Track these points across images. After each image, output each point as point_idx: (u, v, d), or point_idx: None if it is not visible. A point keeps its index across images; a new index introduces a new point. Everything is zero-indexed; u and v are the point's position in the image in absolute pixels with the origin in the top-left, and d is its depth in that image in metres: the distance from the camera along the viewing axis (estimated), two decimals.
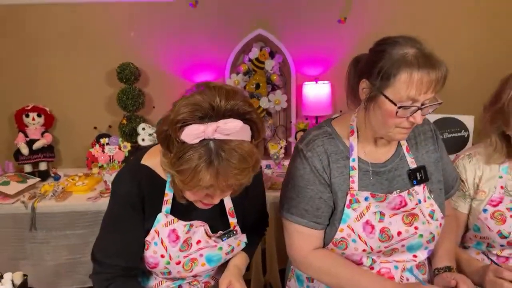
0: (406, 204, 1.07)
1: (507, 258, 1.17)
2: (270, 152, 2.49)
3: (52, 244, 1.99)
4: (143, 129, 2.36)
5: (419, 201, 1.08)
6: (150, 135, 2.34)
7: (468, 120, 2.13)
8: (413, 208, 1.08)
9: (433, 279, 1.09)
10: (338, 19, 2.48)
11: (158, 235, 1.02)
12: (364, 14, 2.48)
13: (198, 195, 0.91)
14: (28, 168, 2.33)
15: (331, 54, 2.53)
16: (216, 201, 0.94)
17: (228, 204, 1.09)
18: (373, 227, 1.05)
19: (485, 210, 1.17)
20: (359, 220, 1.05)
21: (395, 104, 0.94)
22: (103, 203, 1.97)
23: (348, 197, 1.06)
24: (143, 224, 1.02)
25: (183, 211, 1.03)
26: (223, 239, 1.07)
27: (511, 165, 1.18)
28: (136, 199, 1.00)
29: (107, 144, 2.27)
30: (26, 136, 2.36)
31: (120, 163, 2.22)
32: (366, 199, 1.06)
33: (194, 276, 1.10)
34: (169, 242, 1.02)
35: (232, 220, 1.10)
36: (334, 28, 2.50)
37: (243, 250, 1.16)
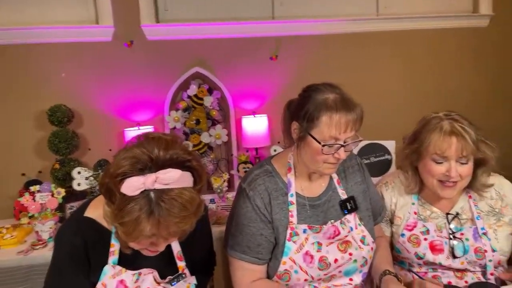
0: (339, 233, 1.16)
1: (425, 273, 1.29)
2: (214, 186, 2.50)
3: None
4: (79, 172, 2.25)
5: (351, 229, 1.18)
6: (86, 178, 2.23)
7: (390, 145, 2.35)
8: (346, 236, 1.17)
9: (381, 282, 1.16)
10: (270, 57, 2.64)
11: None
12: (293, 52, 2.67)
13: (142, 244, 0.91)
14: None
15: (266, 89, 2.67)
16: (161, 248, 0.94)
17: (176, 248, 1.09)
18: (312, 257, 1.12)
19: (402, 235, 1.29)
20: (299, 251, 1.12)
21: (320, 143, 1.05)
22: (36, 256, 1.82)
23: (288, 231, 1.13)
24: (89, 277, 0.99)
25: (131, 260, 1.02)
26: (173, 283, 1.05)
27: (421, 193, 1.33)
28: (80, 253, 0.97)
29: (38, 191, 2.12)
30: None
31: (53, 211, 2.08)
32: (304, 231, 1.14)
33: None
34: None
35: (181, 264, 1.09)
36: (267, 64, 2.65)
37: None
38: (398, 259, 1.35)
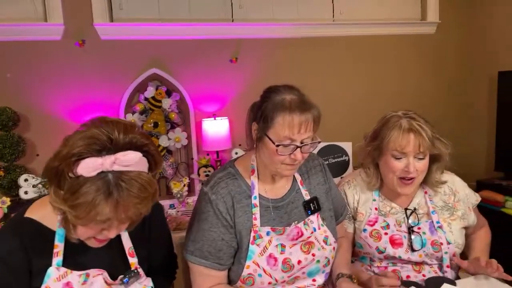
0: (302, 234, 1.17)
1: (386, 267, 1.34)
2: (173, 191, 2.44)
3: None
4: (26, 180, 2.10)
5: (314, 230, 1.19)
6: (34, 186, 2.09)
7: (347, 146, 2.43)
8: (309, 237, 1.17)
9: (336, 286, 1.19)
10: (230, 59, 2.63)
11: None
12: (253, 55, 2.68)
13: (93, 230, 0.87)
14: None
15: (226, 91, 2.65)
16: (112, 235, 0.89)
17: (127, 244, 1.04)
18: (276, 259, 1.11)
19: (364, 230, 1.34)
20: (263, 254, 1.11)
21: (274, 143, 1.05)
22: None
23: (252, 234, 1.11)
24: (31, 283, 0.93)
25: (77, 261, 0.97)
26: (125, 280, 0.99)
27: (382, 190, 1.39)
28: (18, 258, 0.92)
29: None
30: None
31: None
32: (267, 233, 1.13)
33: None
34: None
35: (133, 260, 1.03)
36: (227, 67, 2.64)
37: None
38: (359, 254, 1.39)
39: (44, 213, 0.92)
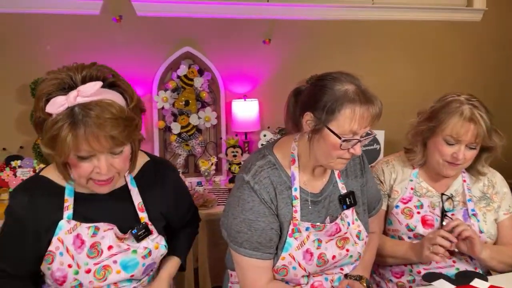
0: (340, 230, 1.14)
1: None
2: (201, 169, 2.47)
3: None
4: None
5: (348, 224, 1.16)
6: None
7: (380, 135, 2.36)
8: (346, 232, 1.15)
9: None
10: (263, 40, 2.59)
11: (63, 243, 0.98)
12: (287, 36, 2.63)
13: (84, 170, 0.91)
14: None
15: (258, 73, 2.63)
16: (104, 170, 0.91)
17: (137, 199, 1.06)
18: (312, 254, 1.09)
19: (397, 206, 1.33)
20: (299, 248, 1.08)
21: (339, 137, 0.99)
22: None
23: (291, 227, 1.08)
24: (43, 237, 0.98)
25: (87, 215, 1.01)
26: (133, 231, 1.02)
27: (421, 171, 1.36)
28: (30, 214, 0.98)
29: (20, 166, 2.05)
30: None
31: None
32: (307, 229, 1.09)
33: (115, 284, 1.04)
34: (75, 249, 0.98)
35: (142, 215, 1.06)
36: (260, 48, 2.60)
37: (174, 252, 1.14)
38: (388, 233, 1.37)
39: (56, 172, 0.98)
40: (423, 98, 1.42)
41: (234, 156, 2.50)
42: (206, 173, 2.48)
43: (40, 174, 1.03)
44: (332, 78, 1.02)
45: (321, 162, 1.07)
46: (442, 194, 1.31)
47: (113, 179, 0.97)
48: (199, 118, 2.52)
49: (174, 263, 1.16)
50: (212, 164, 2.49)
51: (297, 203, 1.09)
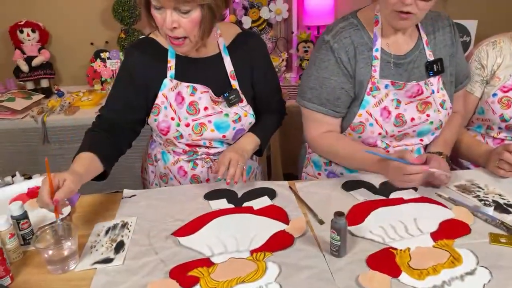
0: (422, 93, 1.13)
1: (502, 140, 1.27)
2: None
3: (66, 157, 2.06)
4: None
5: (433, 91, 1.15)
6: None
7: (471, 25, 2.11)
8: (428, 97, 1.14)
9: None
10: None
11: (167, 99, 1.13)
12: None
13: (158, 20, 1.00)
14: (30, 85, 2.32)
15: None
16: (169, 24, 0.97)
17: (229, 67, 1.16)
18: (389, 112, 1.13)
19: (494, 95, 1.24)
20: (377, 106, 1.12)
21: None
22: None
23: (369, 85, 1.12)
24: (148, 88, 1.13)
25: (187, 75, 1.14)
26: (225, 95, 1.13)
27: None
28: (137, 65, 1.11)
29: (108, 58, 2.23)
30: (23, 53, 2.30)
31: None
32: (386, 86, 1.12)
33: (207, 147, 1.19)
34: (177, 104, 1.13)
35: (234, 83, 1.16)
36: None
37: (257, 132, 1.22)
38: (476, 122, 1.32)
39: (161, 36, 1.09)
40: None
41: (306, 51, 2.45)
42: (277, 69, 2.48)
43: (150, 36, 1.15)
44: None
45: (385, 17, 1.09)
46: None
47: (185, 42, 1.03)
48: (270, 11, 2.44)
49: (255, 142, 1.22)
50: (283, 60, 2.48)
51: (376, 63, 1.12)
